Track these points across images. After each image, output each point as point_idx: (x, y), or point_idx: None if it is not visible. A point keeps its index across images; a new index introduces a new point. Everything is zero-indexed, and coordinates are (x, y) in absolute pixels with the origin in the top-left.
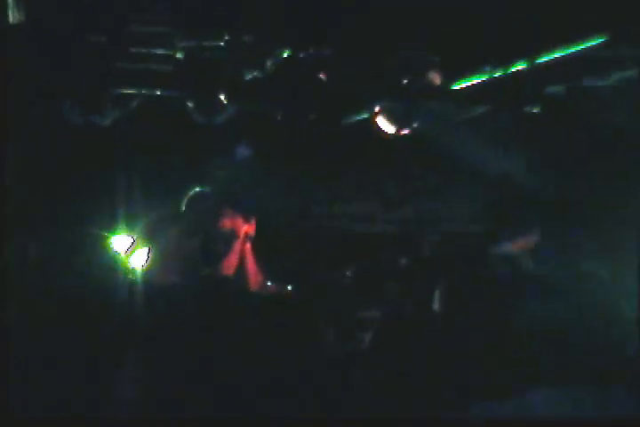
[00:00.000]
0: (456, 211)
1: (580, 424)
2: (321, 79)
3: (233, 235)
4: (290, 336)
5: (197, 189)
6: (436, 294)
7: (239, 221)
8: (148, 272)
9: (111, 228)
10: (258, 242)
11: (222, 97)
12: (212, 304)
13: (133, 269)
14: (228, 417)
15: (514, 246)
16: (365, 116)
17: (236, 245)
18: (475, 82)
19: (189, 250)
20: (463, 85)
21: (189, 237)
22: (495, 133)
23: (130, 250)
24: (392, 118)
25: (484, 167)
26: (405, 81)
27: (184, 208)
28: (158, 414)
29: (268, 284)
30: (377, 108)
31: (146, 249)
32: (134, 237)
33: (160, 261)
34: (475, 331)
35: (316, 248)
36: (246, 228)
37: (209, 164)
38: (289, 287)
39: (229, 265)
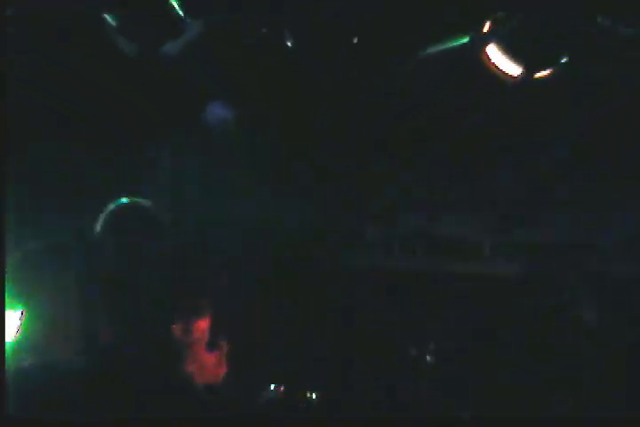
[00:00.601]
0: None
1: (579, 424)
2: None
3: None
4: None
5: (125, 202)
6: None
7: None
8: (23, 346)
9: None
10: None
11: (175, 4)
12: (144, 403)
13: None
14: (228, 418)
15: None
16: (462, 41)
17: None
18: None
19: (98, 308)
20: None
21: (103, 286)
22: None
23: None
24: (517, 48)
25: None
26: None
27: (98, 232)
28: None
29: (271, 387)
30: (486, 28)
31: (17, 304)
32: None
33: (44, 327)
34: None
35: (367, 308)
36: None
37: (151, 144)
38: (312, 396)
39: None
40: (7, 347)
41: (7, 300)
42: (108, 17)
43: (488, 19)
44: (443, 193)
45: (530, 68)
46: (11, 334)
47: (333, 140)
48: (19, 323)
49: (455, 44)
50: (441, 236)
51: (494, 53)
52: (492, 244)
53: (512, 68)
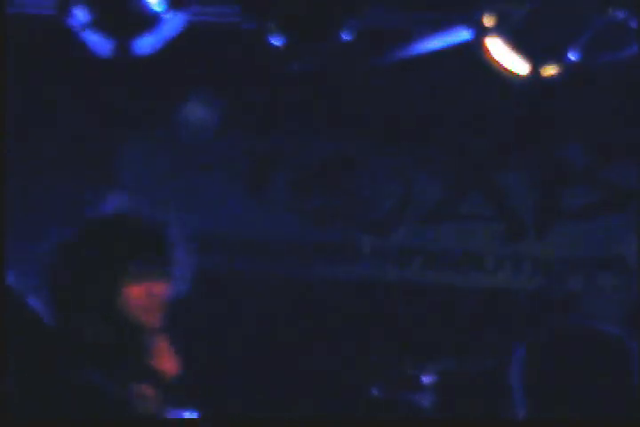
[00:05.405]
0: None
1: (577, 424)
2: None
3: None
4: None
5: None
6: None
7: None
8: None
9: None
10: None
11: None
12: None
13: None
14: (229, 418)
15: None
16: (461, 37)
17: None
18: None
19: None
20: None
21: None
22: None
23: None
24: (523, 43)
25: None
26: None
27: None
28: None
29: None
30: (486, 21)
31: None
32: None
33: None
34: None
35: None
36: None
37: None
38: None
39: None
40: None
41: None
42: (78, 12)
43: (490, 11)
44: (443, 206)
45: (536, 65)
46: None
47: (327, 147)
48: None
49: (455, 39)
50: (440, 247)
51: (495, 48)
52: (495, 256)
53: (516, 66)
